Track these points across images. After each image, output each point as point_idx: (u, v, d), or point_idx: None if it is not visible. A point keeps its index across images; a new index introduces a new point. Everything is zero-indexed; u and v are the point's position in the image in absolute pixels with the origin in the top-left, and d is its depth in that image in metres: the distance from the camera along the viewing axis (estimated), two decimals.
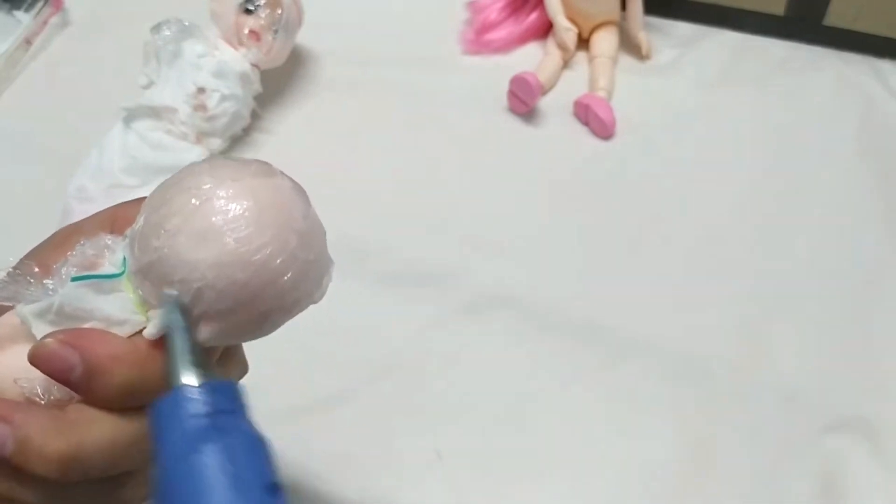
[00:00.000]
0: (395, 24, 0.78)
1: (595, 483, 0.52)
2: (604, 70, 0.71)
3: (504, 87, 0.70)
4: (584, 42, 0.74)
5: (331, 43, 0.76)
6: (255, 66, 0.67)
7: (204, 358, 0.29)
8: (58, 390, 0.30)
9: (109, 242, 0.31)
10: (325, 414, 0.55)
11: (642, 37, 0.73)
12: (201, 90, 0.65)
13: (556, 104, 0.71)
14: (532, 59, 0.73)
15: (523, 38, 0.76)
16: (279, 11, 0.67)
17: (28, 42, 0.76)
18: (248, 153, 0.68)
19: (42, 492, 0.29)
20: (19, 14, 0.76)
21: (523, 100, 0.69)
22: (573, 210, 0.65)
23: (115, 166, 0.63)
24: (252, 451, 0.27)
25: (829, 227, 0.63)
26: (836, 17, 0.72)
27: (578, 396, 0.56)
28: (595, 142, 0.69)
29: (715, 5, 0.75)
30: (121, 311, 0.30)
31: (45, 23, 0.78)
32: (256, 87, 0.68)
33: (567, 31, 0.72)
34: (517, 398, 0.56)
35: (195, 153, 0.64)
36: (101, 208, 0.58)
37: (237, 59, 0.66)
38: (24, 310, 0.30)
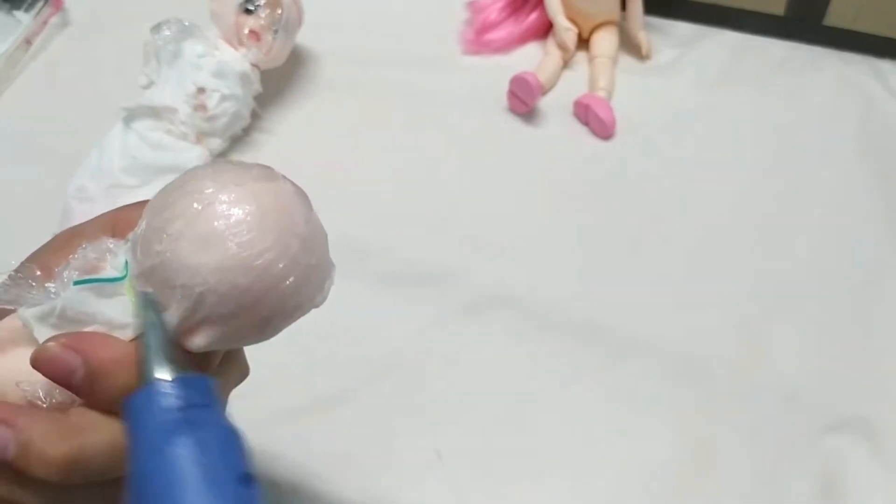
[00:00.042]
0: (395, 24, 0.78)
1: (595, 483, 0.52)
2: (604, 70, 0.71)
3: (504, 87, 0.70)
4: (584, 42, 0.74)
5: (331, 43, 0.76)
6: (255, 66, 0.67)
7: (177, 353, 0.29)
8: (59, 393, 0.30)
9: (111, 246, 0.31)
10: (325, 414, 0.55)
11: (642, 37, 0.73)
12: (201, 90, 0.65)
13: (556, 104, 0.71)
14: (532, 59, 0.73)
15: (523, 38, 0.76)
16: (279, 11, 0.67)
17: (28, 42, 0.76)
18: (248, 153, 0.69)
19: (43, 494, 0.29)
20: (19, 14, 0.76)
21: (523, 100, 0.69)
22: (573, 210, 0.65)
23: (115, 166, 0.63)
24: (224, 443, 0.27)
25: (829, 227, 0.63)
26: (836, 17, 0.72)
27: (578, 396, 0.56)
28: (595, 142, 0.69)
29: (715, 5, 0.75)
30: (123, 315, 0.30)
31: (45, 23, 0.78)
32: (256, 87, 0.68)
33: (567, 31, 0.72)
34: (517, 398, 0.56)
35: (195, 153, 0.64)
36: (101, 208, 0.58)
37: (237, 59, 0.66)
38: (26, 313, 0.30)
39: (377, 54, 0.75)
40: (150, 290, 0.30)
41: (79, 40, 0.78)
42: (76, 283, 0.30)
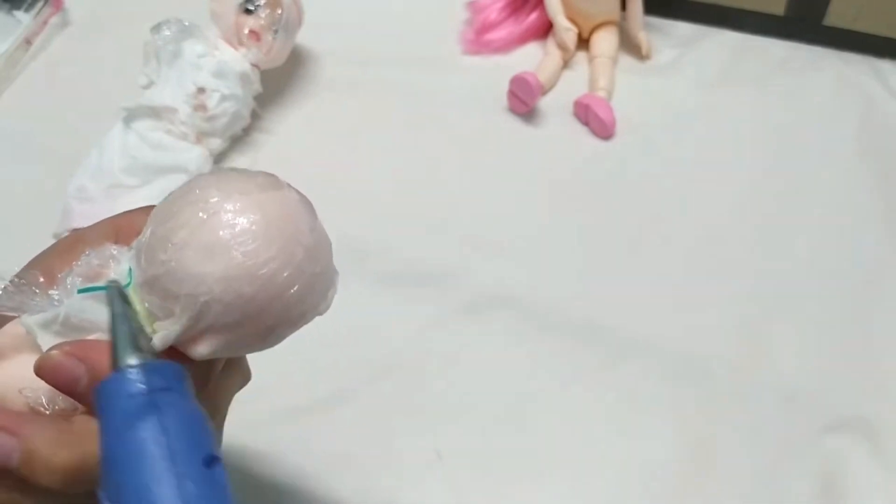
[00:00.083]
0: (395, 24, 0.78)
1: (595, 483, 0.52)
2: (604, 70, 0.71)
3: (504, 87, 0.70)
4: (584, 42, 0.74)
5: (331, 43, 0.76)
6: (255, 66, 0.67)
7: (145, 342, 0.29)
8: (62, 401, 0.30)
9: (115, 253, 0.31)
10: (325, 414, 0.55)
11: (642, 37, 0.73)
12: (201, 90, 0.65)
13: (556, 104, 0.71)
14: (532, 59, 0.73)
15: (523, 38, 0.76)
16: (279, 11, 0.67)
17: (28, 42, 0.76)
18: (248, 153, 0.69)
19: (46, 502, 0.29)
20: (19, 14, 0.76)
21: (523, 100, 0.69)
22: (573, 210, 0.65)
23: (115, 166, 0.63)
24: (190, 426, 0.27)
25: (829, 227, 0.63)
26: (836, 17, 0.72)
27: (578, 396, 0.56)
28: (595, 142, 0.69)
29: (715, 5, 0.75)
30: None
31: (45, 23, 0.77)
32: (256, 87, 0.68)
33: (567, 31, 0.72)
34: (517, 398, 0.56)
35: (195, 153, 0.64)
36: (101, 208, 0.58)
37: (237, 59, 0.66)
38: (30, 320, 0.30)
39: (377, 54, 0.75)
40: (114, 278, 0.30)
41: (79, 40, 0.78)
42: (80, 291, 0.30)
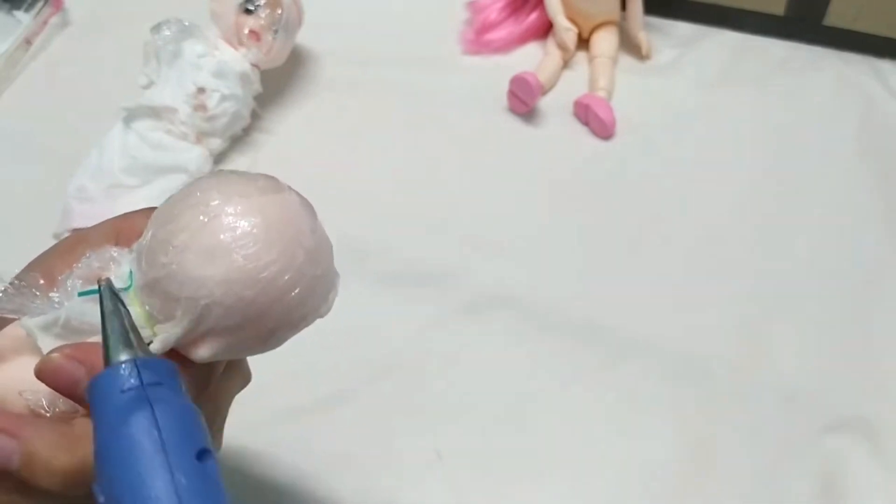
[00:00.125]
0: (395, 24, 0.78)
1: (595, 483, 0.52)
2: (604, 70, 0.71)
3: (504, 87, 0.70)
4: (584, 42, 0.74)
5: (331, 43, 0.76)
6: (255, 66, 0.67)
7: (137, 338, 0.29)
8: (63, 403, 0.30)
9: (115, 255, 0.31)
10: (325, 414, 0.55)
11: (642, 37, 0.73)
12: (201, 90, 0.65)
13: (556, 104, 0.71)
14: (532, 59, 0.73)
15: (523, 38, 0.76)
16: (279, 11, 0.67)
17: (28, 42, 0.76)
18: (248, 153, 0.69)
19: None
20: (19, 14, 0.76)
21: (523, 100, 0.69)
22: (573, 210, 0.65)
23: (115, 166, 0.63)
24: (181, 420, 0.28)
25: (829, 227, 0.63)
26: (836, 17, 0.72)
27: (578, 396, 0.56)
28: (595, 142, 0.69)
29: (715, 5, 0.75)
30: None
31: (45, 23, 0.77)
32: (256, 87, 0.68)
33: (567, 31, 0.72)
34: (517, 398, 0.56)
35: (195, 153, 0.64)
36: (101, 208, 0.58)
37: (237, 59, 0.66)
38: (30, 322, 0.30)
39: (377, 54, 0.75)
40: (105, 277, 0.30)
41: (79, 40, 0.78)
42: (80, 293, 0.30)
